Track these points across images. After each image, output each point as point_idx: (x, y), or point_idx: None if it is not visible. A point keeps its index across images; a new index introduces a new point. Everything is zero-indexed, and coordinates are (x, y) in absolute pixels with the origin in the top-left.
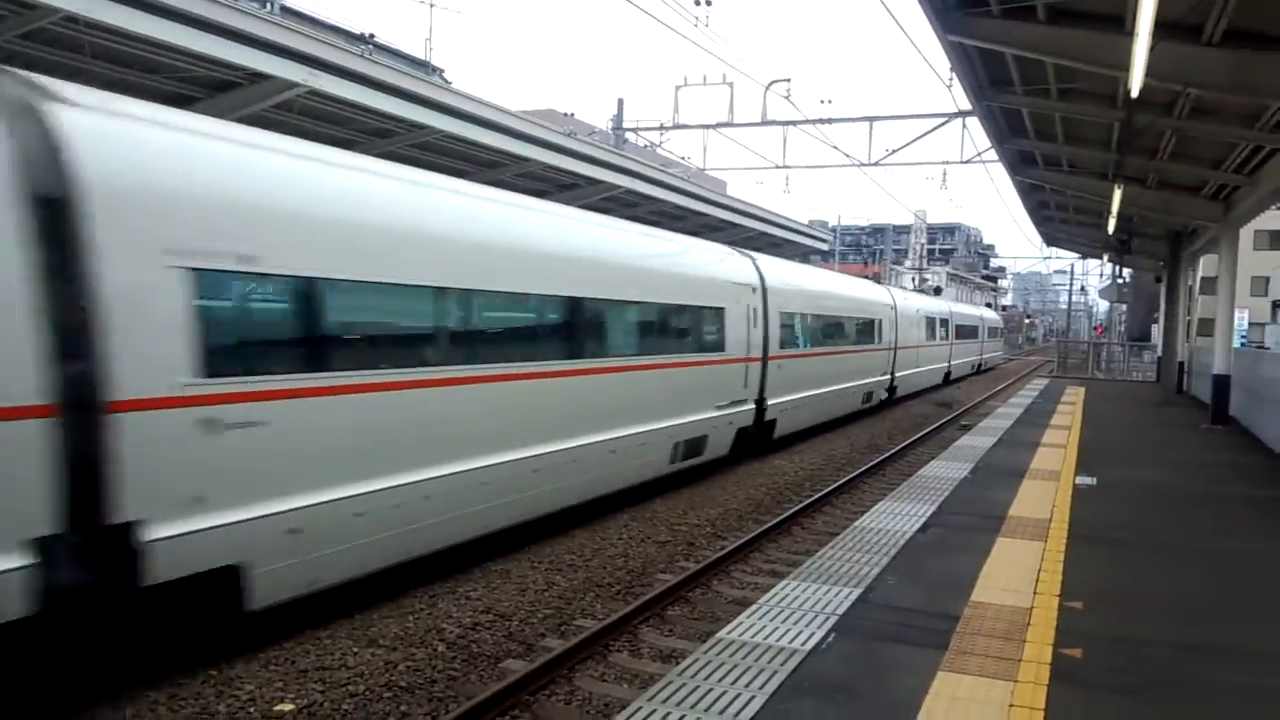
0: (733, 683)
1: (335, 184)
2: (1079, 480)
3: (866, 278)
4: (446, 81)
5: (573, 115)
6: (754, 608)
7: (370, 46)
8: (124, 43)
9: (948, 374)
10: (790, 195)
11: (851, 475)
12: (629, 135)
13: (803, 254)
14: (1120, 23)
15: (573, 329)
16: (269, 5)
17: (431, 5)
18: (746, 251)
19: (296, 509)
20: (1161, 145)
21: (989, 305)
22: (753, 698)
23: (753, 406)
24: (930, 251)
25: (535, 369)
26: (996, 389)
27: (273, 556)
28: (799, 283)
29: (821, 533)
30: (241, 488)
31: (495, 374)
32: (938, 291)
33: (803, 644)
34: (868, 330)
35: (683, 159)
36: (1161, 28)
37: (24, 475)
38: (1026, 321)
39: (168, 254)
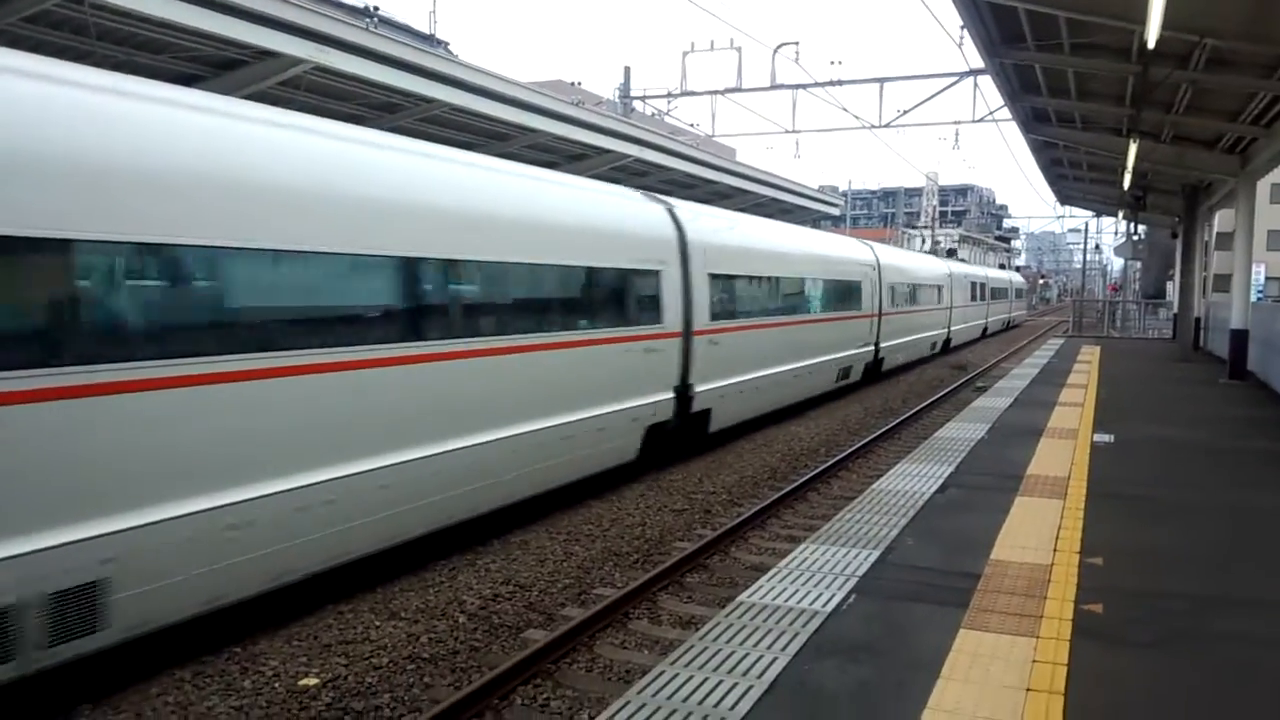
0: (755, 645)
1: (753, 228)
2: (1097, 438)
3: (885, 242)
4: (452, 54)
5: (579, 85)
6: (773, 572)
7: (375, 20)
8: (130, 23)
9: (985, 329)
10: (800, 160)
11: (867, 439)
12: (636, 104)
13: (814, 219)
14: None
15: (819, 296)
16: None
17: None
18: (868, 241)
19: (730, 384)
20: (1177, 99)
21: (1002, 266)
22: (775, 659)
23: (872, 348)
24: (943, 213)
25: (798, 319)
26: (1012, 350)
27: (721, 406)
28: (898, 261)
29: (839, 497)
30: (714, 373)
31: (791, 320)
32: (951, 254)
33: (823, 605)
34: (936, 294)
35: (691, 126)
36: None
37: (674, 361)
38: (1041, 282)
39: (706, 268)
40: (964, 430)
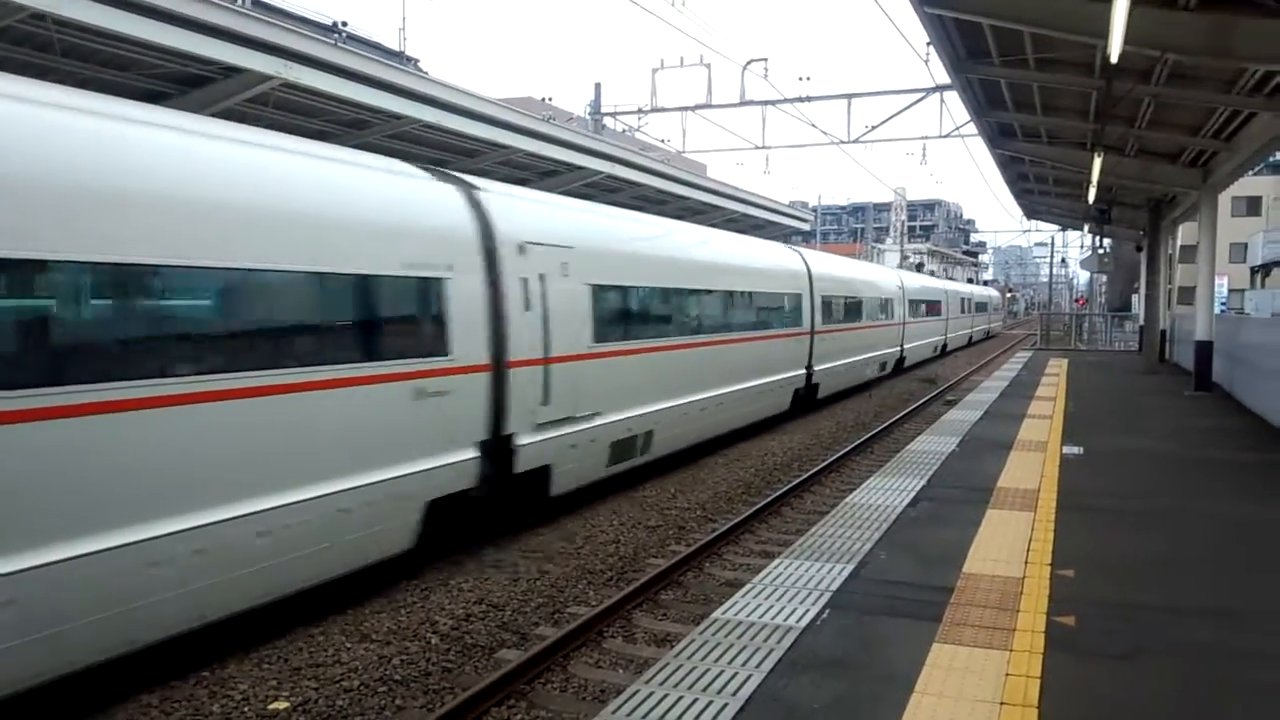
0: (729, 662)
1: (836, 262)
2: (1066, 450)
3: (856, 256)
4: (422, 71)
5: (550, 101)
6: (747, 588)
7: (343, 36)
8: (94, 40)
9: (970, 337)
10: (770, 176)
11: (839, 454)
12: (607, 120)
13: (784, 235)
14: None
15: (872, 308)
16: None
17: None
18: (896, 269)
19: (827, 367)
20: (1140, 113)
21: (970, 280)
22: (750, 676)
23: (898, 349)
24: (911, 228)
25: (860, 325)
26: (980, 364)
27: (824, 381)
28: (913, 282)
29: (812, 511)
30: (821, 359)
31: (856, 326)
32: (919, 268)
33: (798, 621)
34: (937, 308)
35: (662, 142)
36: None
37: (805, 350)
38: (1008, 295)
39: (819, 291)
40: (935, 444)
